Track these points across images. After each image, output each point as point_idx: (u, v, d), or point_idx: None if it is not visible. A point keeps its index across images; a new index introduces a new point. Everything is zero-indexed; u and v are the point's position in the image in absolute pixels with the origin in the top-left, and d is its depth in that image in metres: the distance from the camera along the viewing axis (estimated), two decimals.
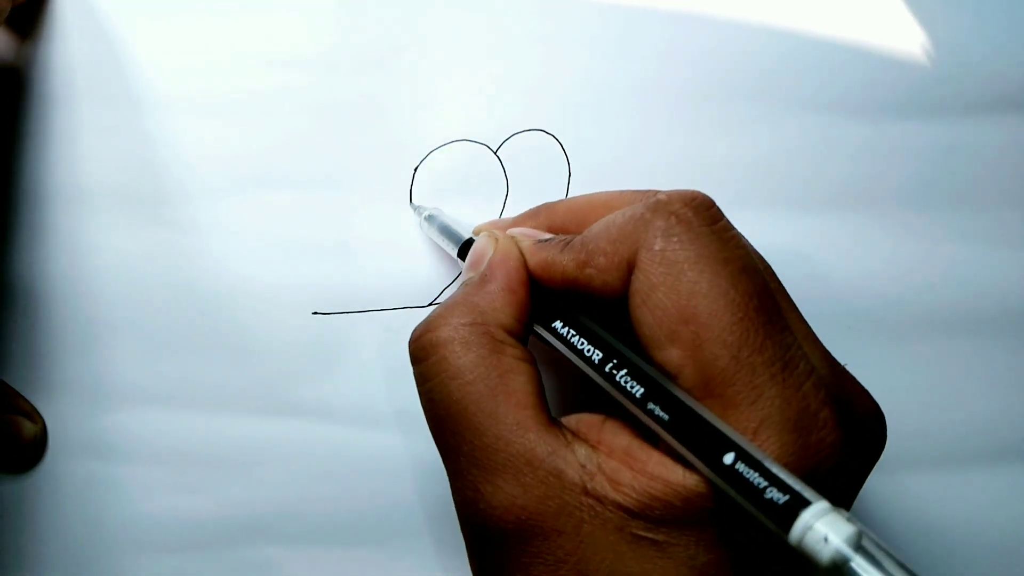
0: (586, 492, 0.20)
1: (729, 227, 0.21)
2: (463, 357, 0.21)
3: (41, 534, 0.31)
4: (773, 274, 0.23)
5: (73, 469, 0.31)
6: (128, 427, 0.30)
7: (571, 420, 0.22)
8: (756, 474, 0.18)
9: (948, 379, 0.30)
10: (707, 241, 0.20)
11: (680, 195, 0.21)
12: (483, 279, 0.23)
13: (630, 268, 0.21)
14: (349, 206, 0.30)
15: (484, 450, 0.20)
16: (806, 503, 0.17)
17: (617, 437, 0.21)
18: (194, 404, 0.30)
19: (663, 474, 0.19)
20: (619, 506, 0.19)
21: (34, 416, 0.30)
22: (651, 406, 0.20)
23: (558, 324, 0.23)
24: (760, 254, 0.23)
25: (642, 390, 0.20)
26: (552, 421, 0.21)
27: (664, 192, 0.22)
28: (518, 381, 0.21)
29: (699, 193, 0.21)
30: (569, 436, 0.21)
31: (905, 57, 0.30)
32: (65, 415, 0.31)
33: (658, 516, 0.19)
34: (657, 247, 0.20)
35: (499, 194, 0.30)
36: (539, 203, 0.30)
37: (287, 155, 0.30)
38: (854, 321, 0.30)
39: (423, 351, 0.22)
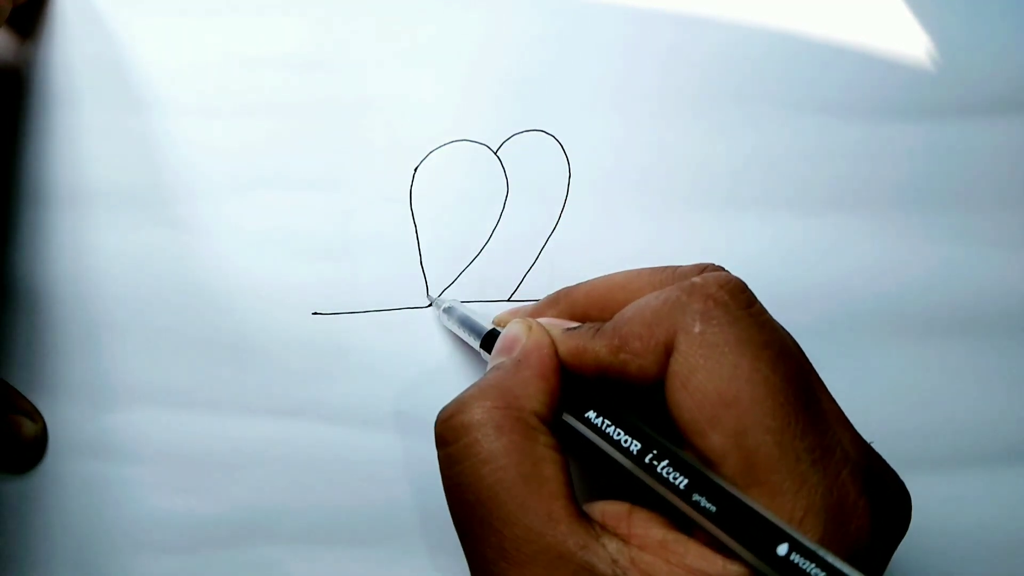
0: None
1: (763, 310, 0.21)
2: (496, 442, 0.21)
3: (41, 534, 0.31)
4: (804, 356, 0.22)
5: (73, 469, 0.31)
6: (128, 427, 0.30)
7: (595, 510, 0.21)
8: (812, 565, 0.17)
9: (946, 380, 0.30)
10: (745, 325, 0.20)
11: (715, 279, 0.21)
12: (517, 365, 0.23)
13: (667, 352, 0.21)
14: (349, 206, 0.30)
15: (514, 541, 0.20)
16: None
17: (650, 529, 0.20)
18: (194, 404, 0.30)
19: (703, 567, 0.19)
20: None
21: (34, 416, 0.30)
22: (696, 497, 0.19)
23: (591, 414, 0.22)
24: (792, 336, 0.22)
25: (686, 481, 0.20)
26: (581, 513, 0.21)
27: (697, 275, 0.22)
28: (550, 470, 0.21)
29: (732, 276, 0.22)
30: (598, 528, 0.20)
31: (905, 58, 0.30)
32: (65, 415, 0.31)
33: None
34: (696, 330, 0.20)
35: (499, 194, 0.30)
36: (541, 202, 0.30)
37: (287, 155, 0.30)
38: (852, 322, 0.30)
39: (453, 432, 0.22)
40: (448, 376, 0.30)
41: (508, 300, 0.30)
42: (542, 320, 0.25)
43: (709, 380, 0.20)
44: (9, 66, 0.30)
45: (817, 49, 0.30)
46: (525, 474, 0.20)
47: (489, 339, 0.26)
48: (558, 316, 0.26)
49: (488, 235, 0.30)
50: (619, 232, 0.30)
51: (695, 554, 0.19)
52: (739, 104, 0.30)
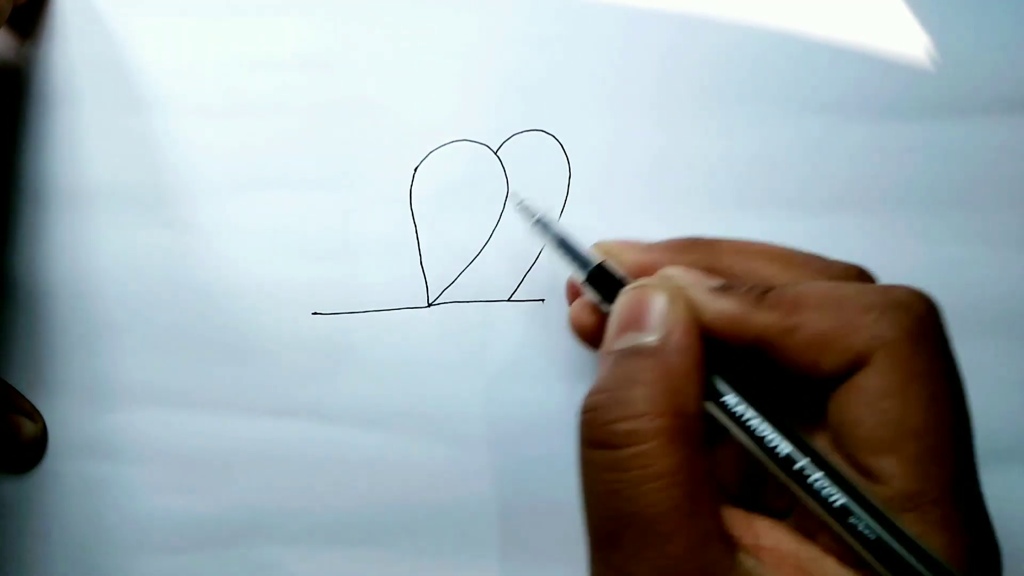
0: None
1: (949, 339, 0.20)
2: (671, 457, 0.19)
3: (41, 534, 0.31)
4: None
5: (73, 469, 0.31)
6: (128, 427, 0.30)
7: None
8: None
9: None
10: (946, 356, 0.19)
11: (921, 298, 0.20)
12: (666, 352, 0.20)
13: (857, 360, 0.19)
14: (349, 206, 0.30)
15: (672, 559, 0.19)
16: None
17: (779, 543, 0.20)
18: (194, 404, 0.30)
19: None
20: None
21: (34, 416, 0.30)
22: (853, 520, 0.18)
23: (730, 399, 0.20)
24: None
25: (842, 501, 0.19)
26: (722, 529, 0.20)
27: (897, 287, 0.20)
28: (711, 487, 0.19)
29: (930, 296, 0.20)
30: (734, 545, 0.19)
31: (906, 58, 0.30)
32: (65, 415, 0.31)
33: None
34: (904, 354, 0.19)
35: (499, 194, 0.30)
36: (546, 205, 0.30)
37: (287, 155, 0.30)
38: None
39: (617, 438, 0.19)
40: (448, 376, 0.30)
41: (508, 300, 0.30)
42: (675, 271, 0.22)
43: (902, 407, 0.19)
44: (9, 66, 0.30)
45: (817, 49, 0.30)
46: (693, 493, 0.19)
47: (599, 278, 0.23)
48: (693, 267, 0.23)
49: (488, 235, 0.30)
50: (619, 232, 0.30)
51: (833, 574, 0.19)
52: (739, 104, 0.30)
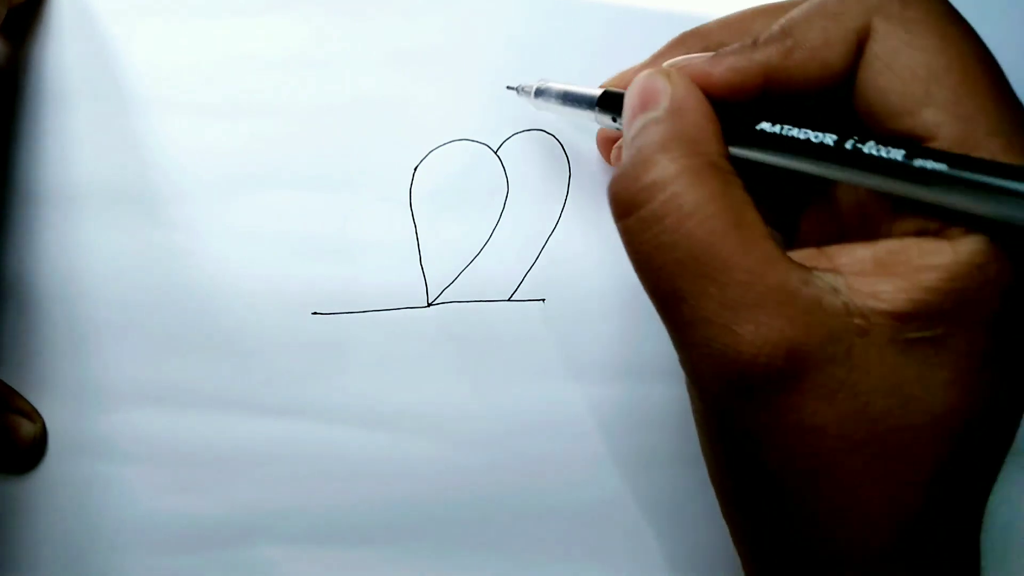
0: (849, 312, 0.18)
1: None
2: (699, 191, 0.19)
3: (41, 534, 0.31)
4: None
5: (73, 469, 0.31)
6: (128, 427, 0.30)
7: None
8: None
9: None
10: (944, 2, 0.19)
11: None
12: (677, 113, 0.20)
13: (858, 40, 0.19)
14: (349, 206, 0.30)
15: (739, 287, 0.18)
16: None
17: (854, 254, 0.19)
18: (194, 404, 0.30)
19: (932, 261, 0.18)
20: (889, 315, 0.18)
21: (33, 416, 0.30)
22: (919, 162, 0.18)
23: (765, 125, 0.20)
24: None
25: (902, 152, 0.18)
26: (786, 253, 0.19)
27: None
28: (754, 214, 0.19)
29: None
30: (808, 267, 0.19)
31: None
32: (65, 415, 0.31)
33: (936, 308, 0.18)
34: (895, 9, 0.19)
35: (499, 194, 0.30)
36: (541, 202, 0.30)
37: (287, 155, 0.30)
38: None
39: (645, 192, 0.19)
40: (448, 376, 0.30)
41: (508, 300, 0.30)
42: (672, 61, 0.23)
43: (917, 55, 0.19)
44: (5, 67, 0.30)
45: None
46: (735, 220, 0.19)
47: (607, 101, 0.24)
48: (687, 54, 0.23)
49: (488, 235, 0.30)
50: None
51: (917, 252, 0.18)
52: None
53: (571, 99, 0.26)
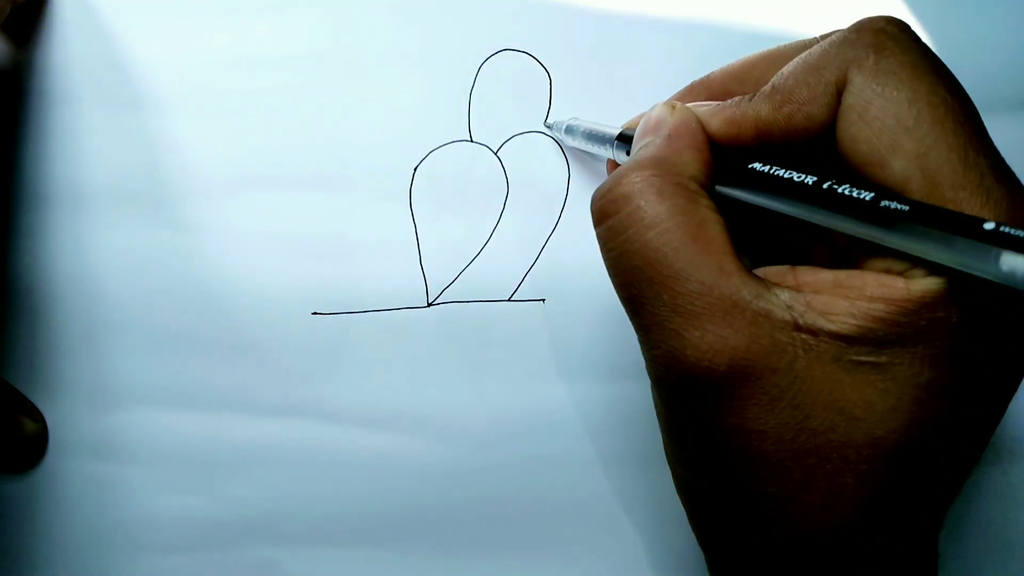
0: (797, 328, 0.19)
1: (926, 44, 0.21)
2: (660, 205, 0.21)
3: (41, 534, 0.31)
4: None
5: (74, 469, 0.31)
6: (129, 427, 0.30)
7: (758, 272, 0.21)
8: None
9: None
10: (918, 53, 0.20)
11: (881, 17, 0.21)
12: (667, 139, 0.22)
13: (838, 92, 0.20)
14: (349, 206, 0.30)
15: (688, 296, 0.20)
16: None
17: (818, 276, 0.20)
18: (194, 404, 0.30)
19: (885, 293, 0.19)
20: (836, 335, 0.19)
21: (35, 415, 0.30)
22: (885, 203, 0.19)
23: (756, 165, 0.22)
24: None
25: (871, 194, 0.19)
26: (749, 269, 0.21)
27: (860, 20, 0.21)
28: (715, 230, 0.21)
29: (891, 16, 0.21)
30: (767, 283, 0.20)
31: None
32: (66, 415, 0.31)
33: (881, 337, 0.19)
34: (870, 62, 0.20)
35: (499, 194, 0.30)
36: (541, 202, 0.30)
37: (287, 155, 0.30)
38: None
39: (613, 204, 0.21)
40: (448, 376, 0.30)
41: (508, 300, 0.30)
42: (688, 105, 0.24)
43: (888, 107, 0.19)
44: (8, 66, 0.30)
45: None
46: (692, 233, 0.20)
47: (624, 139, 0.26)
48: (695, 101, 0.25)
49: (488, 235, 0.30)
50: None
51: (873, 283, 0.19)
52: None
53: (594, 137, 0.28)
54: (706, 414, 0.20)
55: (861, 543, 0.20)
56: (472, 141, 0.30)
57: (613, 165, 0.29)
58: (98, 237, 0.30)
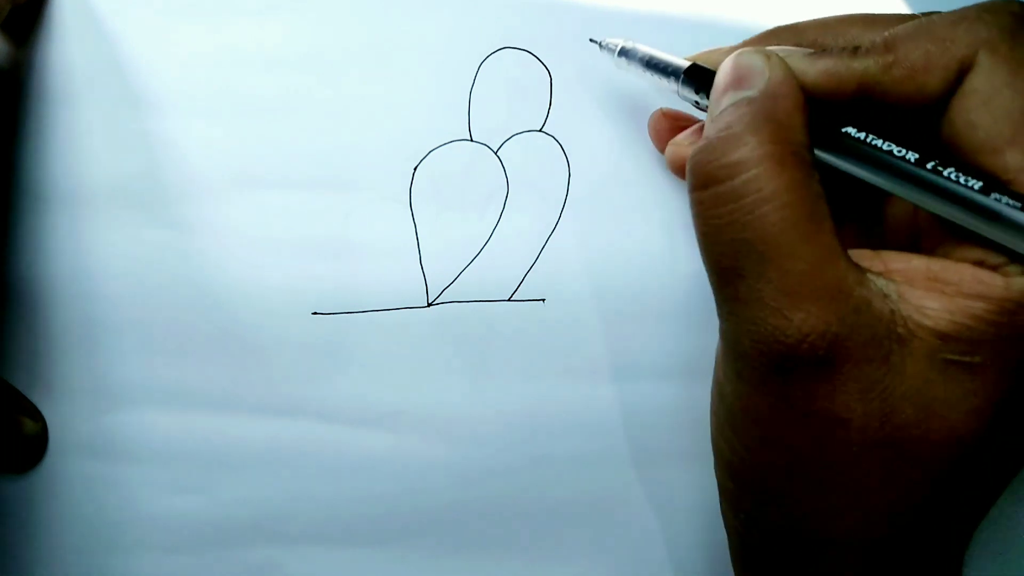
0: (894, 321, 0.19)
1: None
2: (779, 178, 0.19)
3: (41, 534, 0.31)
4: None
5: (74, 469, 0.31)
6: (129, 427, 0.30)
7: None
8: None
9: None
10: None
11: (1014, 0, 0.20)
12: (769, 97, 0.21)
13: (960, 70, 0.19)
14: (349, 206, 0.30)
15: (798, 276, 0.19)
16: None
17: (909, 264, 0.20)
18: (194, 404, 0.30)
19: (983, 291, 0.18)
20: (932, 331, 0.19)
21: (35, 415, 0.30)
22: (996, 196, 0.18)
23: (851, 130, 0.20)
24: None
25: (980, 183, 0.18)
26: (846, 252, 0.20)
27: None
28: (825, 209, 0.20)
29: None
30: (864, 268, 0.20)
31: None
32: (66, 415, 0.31)
33: (977, 336, 0.18)
34: (1005, 47, 0.19)
35: (499, 194, 0.30)
36: (541, 202, 0.30)
37: (287, 155, 0.30)
38: None
39: (725, 170, 0.20)
40: (448, 376, 0.30)
41: (508, 300, 0.30)
42: (771, 49, 0.23)
43: (1016, 98, 0.19)
44: (8, 66, 0.30)
45: None
46: (808, 212, 0.19)
47: (694, 75, 0.24)
48: (779, 46, 0.24)
49: (488, 235, 0.30)
50: (619, 232, 0.30)
51: (970, 279, 0.19)
52: None
53: (655, 66, 0.26)
54: (794, 395, 0.20)
55: (914, 539, 0.20)
56: (472, 140, 0.30)
57: (659, 124, 0.28)
58: (98, 237, 0.30)
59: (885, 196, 0.23)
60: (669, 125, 0.28)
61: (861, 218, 0.23)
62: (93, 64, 0.30)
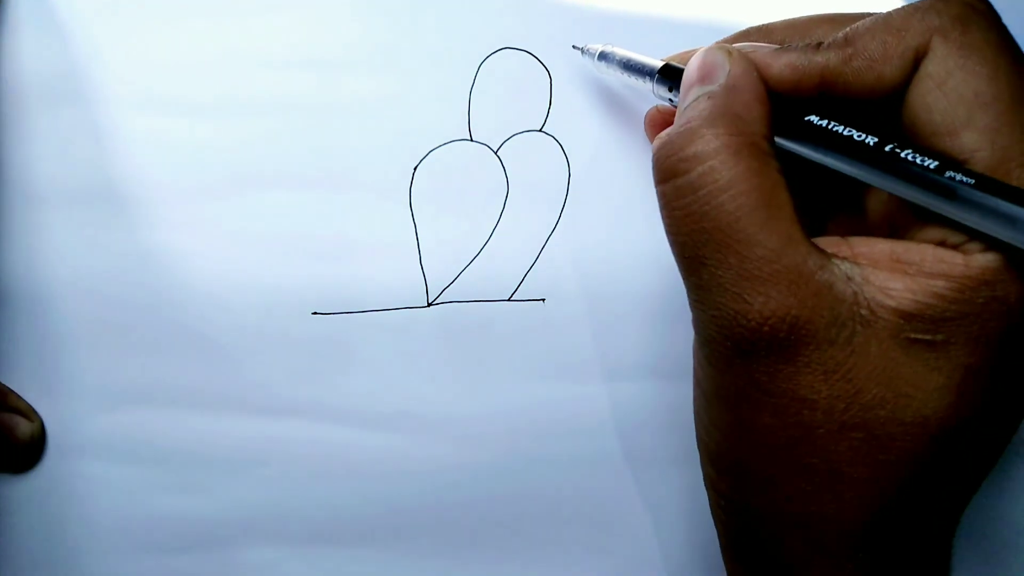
0: (857, 303, 0.19)
1: (999, 18, 0.21)
2: (735, 168, 0.20)
3: (38, 533, 0.31)
4: None
5: (70, 468, 0.31)
6: (126, 427, 0.30)
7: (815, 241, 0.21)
8: None
9: None
10: (1002, 31, 0.20)
11: None
12: (731, 90, 0.21)
13: (916, 58, 0.20)
14: (349, 206, 0.30)
15: (757, 261, 0.20)
16: None
17: (873, 247, 0.20)
18: (194, 404, 0.30)
19: (944, 269, 0.19)
20: (894, 311, 0.19)
21: (31, 415, 0.30)
22: (950, 173, 0.19)
23: (813, 118, 0.21)
24: None
25: (936, 162, 0.19)
26: (810, 239, 0.21)
27: None
28: (784, 196, 0.20)
29: None
30: (828, 253, 0.20)
31: None
32: (63, 414, 0.30)
33: (939, 314, 0.19)
34: (956, 33, 0.20)
35: (499, 194, 0.30)
36: (541, 202, 0.30)
37: (286, 155, 0.30)
38: None
39: (684, 163, 0.21)
40: (448, 376, 0.30)
41: (508, 300, 0.30)
42: (737, 45, 0.24)
43: (968, 80, 0.19)
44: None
45: None
46: (765, 199, 0.20)
47: (667, 74, 0.25)
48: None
49: (488, 235, 0.30)
50: (619, 232, 0.30)
51: (932, 258, 0.19)
52: None
53: (632, 67, 0.27)
54: (759, 377, 0.20)
55: (894, 524, 0.20)
56: (472, 140, 0.30)
57: (655, 119, 0.29)
58: (97, 237, 0.30)
59: (865, 187, 0.23)
60: (663, 120, 0.29)
61: (849, 209, 0.24)
62: (95, 63, 0.30)
